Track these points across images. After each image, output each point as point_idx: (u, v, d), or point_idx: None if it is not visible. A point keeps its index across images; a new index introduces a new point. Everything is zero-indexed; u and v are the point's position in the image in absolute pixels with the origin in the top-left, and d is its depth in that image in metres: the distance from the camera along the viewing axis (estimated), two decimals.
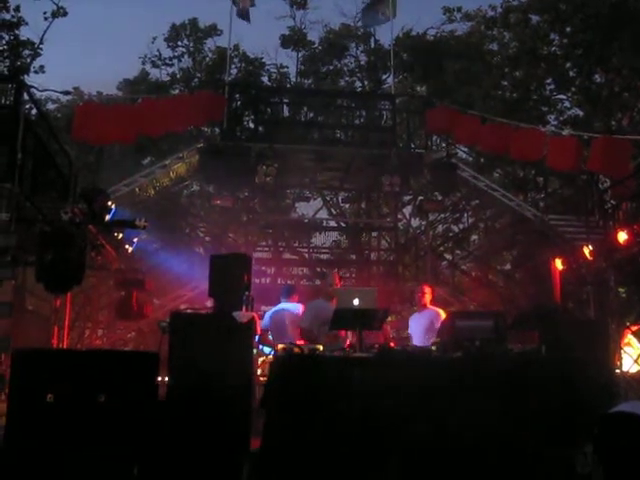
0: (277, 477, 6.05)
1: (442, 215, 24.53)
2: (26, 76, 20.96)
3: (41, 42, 23.92)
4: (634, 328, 15.32)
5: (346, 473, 6.16)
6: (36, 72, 23.72)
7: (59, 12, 24.44)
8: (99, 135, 14.75)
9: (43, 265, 9.32)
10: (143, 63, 28.97)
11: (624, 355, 13.89)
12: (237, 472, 6.10)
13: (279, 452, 6.24)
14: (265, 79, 28.81)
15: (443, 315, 9.44)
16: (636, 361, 14.15)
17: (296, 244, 24.98)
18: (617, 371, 12.24)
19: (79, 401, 5.89)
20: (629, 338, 14.90)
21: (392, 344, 9.17)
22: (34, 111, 13.67)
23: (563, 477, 5.58)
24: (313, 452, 6.23)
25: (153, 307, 15.46)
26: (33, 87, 12.90)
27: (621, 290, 16.06)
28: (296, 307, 9.91)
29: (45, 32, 24.06)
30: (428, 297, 9.85)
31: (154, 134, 17.13)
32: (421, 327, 9.55)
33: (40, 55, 24.00)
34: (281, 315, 9.83)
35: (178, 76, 29.07)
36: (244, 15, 18.56)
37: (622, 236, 12.27)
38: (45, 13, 24.28)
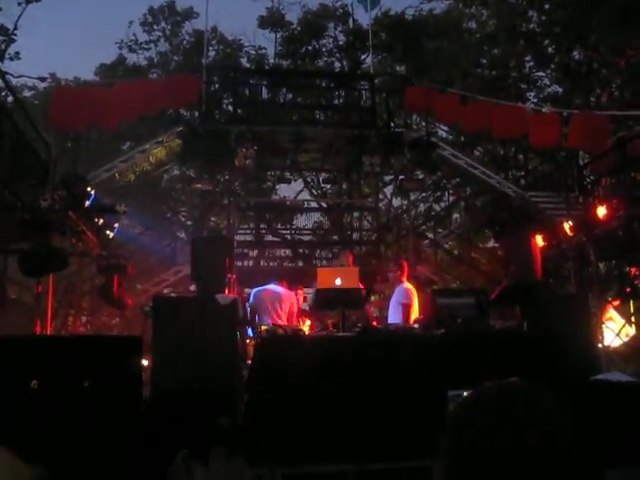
0: (256, 456, 6.08)
1: (423, 194, 24.62)
2: (1, 63, 20.72)
3: (15, 28, 23.68)
4: (615, 302, 15.46)
5: (325, 449, 6.20)
6: (11, 59, 23.52)
7: None
8: (77, 120, 14.62)
9: (25, 253, 9.29)
10: (120, 48, 28.73)
11: (606, 330, 14.01)
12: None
13: (258, 430, 6.28)
14: (244, 61, 28.67)
15: (411, 290, 9.46)
16: (618, 335, 14.29)
17: (278, 226, 24.98)
18: (599, 345, 12.34)
19: (64, 387, 5.88)
20: (611, 312, 15.04)
21: (374, 323, 9.26)
22: (10, 98, 13.56)
23: None
24: (293, 430, 6.27)
25: (136, 292, 15.45)
26: (8, 74, 12.79)
27: (601, 265, 16.18)
28: (281, 289, 9.89)
29: (19, 18, 23.82)
30: (404, 273, 9.88)
31: (131, 118, 16.99)
32: (392, 303, 9.59)
33: (15, 41, 23.78)
34: (262, 293, 9.84)
35: (156, 60, 28.85)
36: None
37: (601, 211, 12.37)
38: None
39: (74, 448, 5.63)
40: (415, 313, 9.22)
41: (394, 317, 9.27)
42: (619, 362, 13.18)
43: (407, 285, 9.62)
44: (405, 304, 9.23)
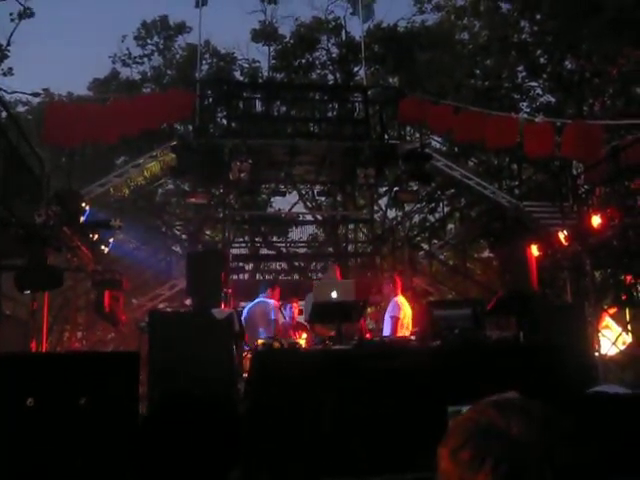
0: (258, 468, 6.06)
1: (418, 205, 24.63)
2: None
3: (8, 44, 23.66)
4: (611, 311, 15.47)
5: (326, 461, 6.19)
6: (4, 74, 23.47)
7: (25, 13, 24.13)
8: (70, 136, 14.61)
9: (22, 269, 9.27)
10: (113, 62, 28.74)
11: (602, 338, 14.01)
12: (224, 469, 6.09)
13: (256, 444, 6.25)
14: (237, 74, 28.70)
15: (399, 304, 9.53)
16: (614, 344, 14.29)
17: (273, 239, 24.99)
18: (595, 354, 12.35)
19: (60, 404, 5.85)
20: (607, 321, 15.05)
21: (368, 335, 9.29)
22: (4, 114, 13.56)
23: None
24: (293, 444, 6.24)
25: (132, 307, 15.41)
26: (2, 90, 12.79)
27: (597, 274, 16.20)
28: (270, 302, 9.91)
29: (12, 34, 23.79)
30: (397, 286, 9.96)
31: (127, 134, 16.98)
32: (386, 316, 9.71)
33: (8, 57, 23.75)
34: (255, 308, 9.87)
35: (149, 74, 28.86)
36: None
37: (596, 220, 12.37)
38: (11, 14, 23.96)
39: (70, 466, 5.60)
40: (407, 326, 9.31)
41: (387, 330, 9.38)
42: (616, 370, 13.18)
43: (398, 299, 9.68)
44: (393, 317, 9.33)
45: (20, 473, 5.57)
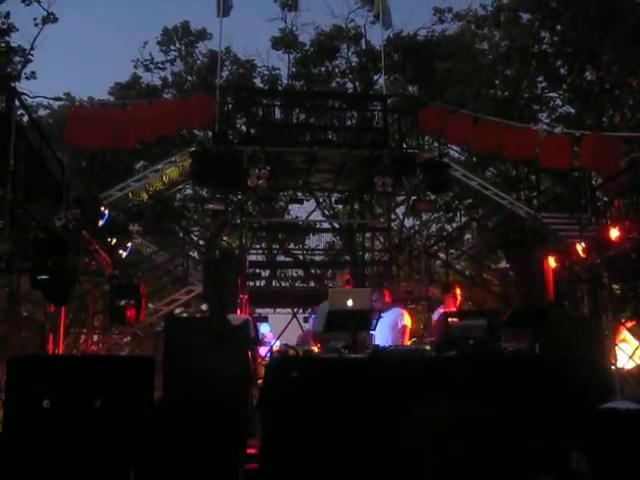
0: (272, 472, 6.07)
1: (435, 215, 24.61)
2: (17, 83, 20.88)
3: (32, 48, 23.86)
4: (629, 324, 15.36)
5: (343, 472, 6.19)
6: (27, 78, 23.65)
7: (49, 18, 24.35)
8: (91, 140, 14.72)
9: (38, 272, 9.33)
10: (135, 67, 28.94)
11: (619, 352, 13.92)
12: (233, 475, 6.12)
13: (277, 455, 6.26)
14: (257, 81, 28.83)
15: (406, 314, 9.42)
16: (631, 357, 14.19)
17: (290, 246, 25.03)
18: (612, 368, 12.26)
19: (75, 407, 5.90)
20: (624, 334, 14.93)
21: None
22: (25, 118, 13.67)
23: (557, 474, 5.60)
24: (310, 453, 6.25)
25: (148, 312, 15.46)
26: (24, 94, 12.90)
27: (615, 287, 16.09)
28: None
29: (35, 38, 24.01)
30: (387, 298, 9.73)
31: (147, 139, 17.06)
32: (387, 326, 9.41)
33: (31, 61, 23.97)
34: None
35: (170, 80, 29.04)
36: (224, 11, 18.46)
37: (614, 233, 12.28)
38: (35, 19, 24.17)
39: (85, 467, 5.64)
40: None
41: (391, 339, 9.08)
42: (632, 385, 13.09)
43: (400, 308, 9.58)
44: (404, 326, 9.19)
45: (35, 473, 5.61)
